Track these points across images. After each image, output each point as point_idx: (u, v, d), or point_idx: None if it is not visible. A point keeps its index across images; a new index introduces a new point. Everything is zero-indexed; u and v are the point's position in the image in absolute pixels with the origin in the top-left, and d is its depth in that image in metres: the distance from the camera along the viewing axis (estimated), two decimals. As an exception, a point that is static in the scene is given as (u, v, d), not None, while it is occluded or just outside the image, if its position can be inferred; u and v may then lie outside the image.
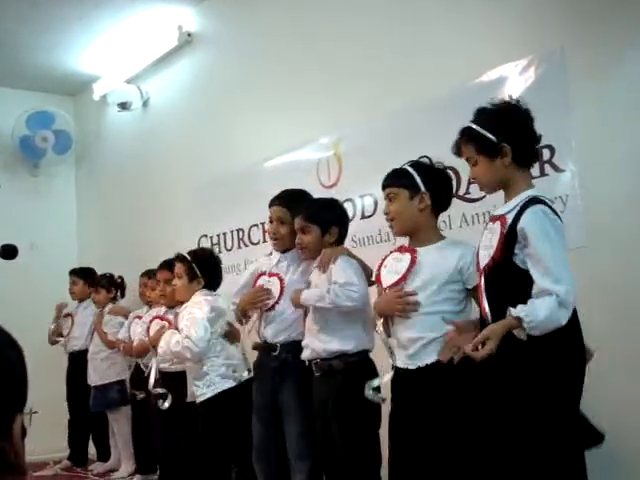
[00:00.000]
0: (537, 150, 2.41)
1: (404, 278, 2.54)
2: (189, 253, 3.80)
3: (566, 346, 2.16)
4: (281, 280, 3.20)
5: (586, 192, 2.92)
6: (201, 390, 3.57)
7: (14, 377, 0.87)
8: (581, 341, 2.19)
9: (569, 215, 2.87)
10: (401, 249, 2.62)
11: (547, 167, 3.03)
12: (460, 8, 3.48)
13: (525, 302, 2.13)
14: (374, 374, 2.76)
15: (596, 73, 2.95)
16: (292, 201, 3.22)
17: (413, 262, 2.54)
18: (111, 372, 5.21)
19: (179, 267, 3.75)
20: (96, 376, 5.28)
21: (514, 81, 3.18)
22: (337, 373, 2.88)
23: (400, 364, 2.57)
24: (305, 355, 3.00)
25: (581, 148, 2.95)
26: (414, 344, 2.51)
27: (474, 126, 2.32)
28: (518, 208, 2.21)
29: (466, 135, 2.35)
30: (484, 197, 3.03)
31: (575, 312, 2.16)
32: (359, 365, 2.87)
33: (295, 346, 3.09)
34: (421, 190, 2.56)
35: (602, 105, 2.93)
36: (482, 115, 2.34)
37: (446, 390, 2.44)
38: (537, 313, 2.07)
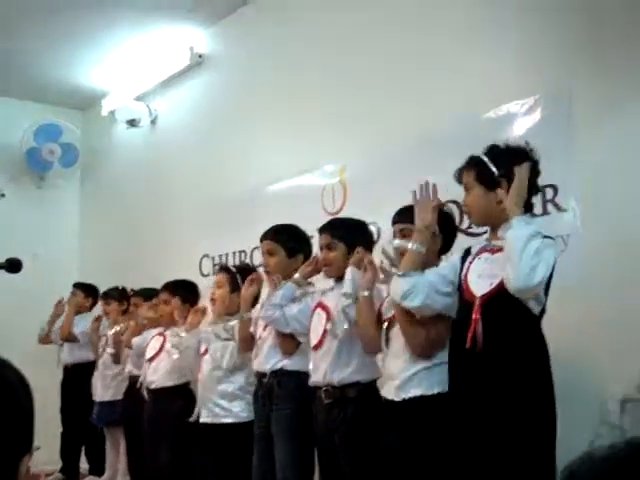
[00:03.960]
0: (532, 203, 2.42)
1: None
2: (234, 266, 3.91)
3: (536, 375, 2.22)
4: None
5: (587, 232, 2.95)
6: (225, 412, 3.56)
7: (25, 420, 0.88)
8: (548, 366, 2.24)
9: (570, 253, 2.91)
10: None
11: (549, 206, 3.07)
12: (468, 44, 3.53)
13: (521, 336, 2.19)
14: (380, 401, 2.74)
15: (601, 115, 2.99)
16: (279, 234, 3.36)
17: None
18: (120, 389, 5.08)
19: (222, 277, 3.77)
20: (104, 392, 5.22)
21: (520, 119, 3.23)
22: (349, 402, 2.87)
23: (388, 395, 2.62)
24: (314, 381, 3.00)
25: (584, 188, 2.99)
26: (400, 375, 2.55)
27: (481, 155, 2.37)
28: None
29: (471, 162, 2.41)
30: (487, 232, 3.06)
31: (545, 346, 2.24)
32: (370, 394, 2.84)
33: (282, 373, 3.16)
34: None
35: (606, 147, 2.97)
36: (493, 149, 2.40)
37: (429, 423, 2.46)
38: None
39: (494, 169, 2.32)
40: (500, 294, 2.22)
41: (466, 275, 2.36)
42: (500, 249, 2.28)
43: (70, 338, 5.61)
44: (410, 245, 2.49)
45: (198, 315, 4.00)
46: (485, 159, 2.36)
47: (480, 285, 2.29)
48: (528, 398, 2.19)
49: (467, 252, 2.48)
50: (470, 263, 2.38)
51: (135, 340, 4.57)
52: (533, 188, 2.37)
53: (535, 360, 2.24)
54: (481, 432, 2.22)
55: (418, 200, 2.54)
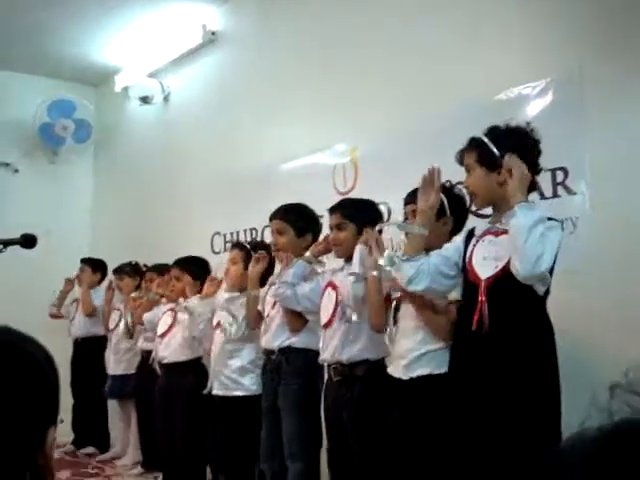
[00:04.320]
0: (536, 181, 2.45)
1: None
2: (248, 243, 3.92)
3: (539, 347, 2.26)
4: None
5: (597, 215, 2.96)
6: (237, 385, 3.62)
7: (51, 393, 0.92)
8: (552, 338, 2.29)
9: (579, 237, 2.93)
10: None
11: (559, 189, 3.08)
12: (479, 26, 3.53)
13: (527, 318, 2.22)
14: (387, 380, 2.78)
15: (613, 98, 2.99)
16: (288, 213, 3.39)
17: None
18: (132, 362, 5.17)
19: (236, 253, 3.79)
20: (117, 365, 5.29)
21: (531, 101, 3.23)
22: (357, 380, 2.91)
23: (395, 374, 2.65)
24: (324, 358, 3.04)
25: (594, 171, 2.99)
26: (409, 354, 2.59)
27: (482, 137, 2.38)
28: None
29: (472, 143, 2.42)
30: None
31: (550, 326, 2.27)
32: (378, 372, 2.87)
33: (290, 350, 3.22)
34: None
35: (617, 130, 2.97)
36: (493, 130, 2.41)
37: (435, 401, 2.49)
38: None
39: (495, 150, 2.34)
40: (505, 276, 2.24)
41: (470, 257, 2.38)
42: (504, 231, 2.30)
43: (93, 313, 5.67)
44: (412, 228, 2.50)
45: (215, 285, 4.01)
46: (486, 140, 2.37)
47: (485, 267, 2.31)
48: (534, 379, 2.23)
49: (470, 233, 2.50)
50: (474, 245, 2.40)
51: (146, 316, 4.62)
52: (536, 167, 2.38)
53: (541, 341, 2.27)
54: (487, 413, 2.25)
55: (422, 182, 2.54)
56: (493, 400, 2.24)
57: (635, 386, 0.66)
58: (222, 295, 3.82)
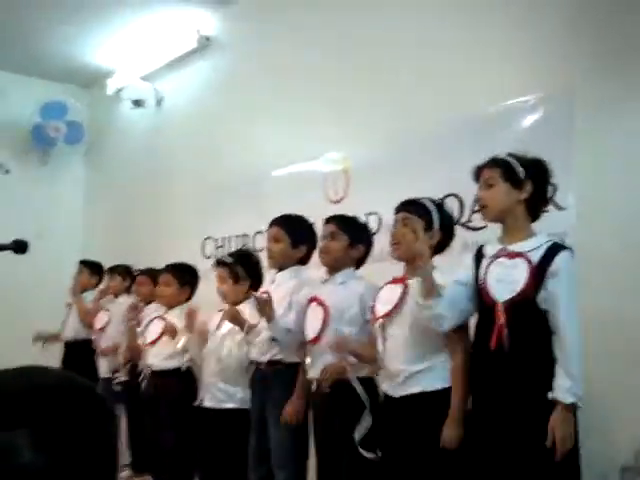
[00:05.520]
0: (542, 212, 2.54)
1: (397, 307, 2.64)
2: (230, 256, 3.86)
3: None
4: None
5: (585, 230, 2.99)
6: (228, 397, 3.63)
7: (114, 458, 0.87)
8: None
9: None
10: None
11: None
12: (471, 41, 3.56)
13: (545, 342, 2.28)
14: (377, 395, 2.81)
15: (602, 115, 3.02)
16: (287, 222, 3.38)
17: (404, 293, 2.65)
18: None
19: (221, 271, 3.74)
20: (108, 368, 5.21)
21: (522, 116, 3.26)
22: (348, 394, 2.89)
23: (387, 391, 2.70)
24: (312, 376, 3.03)
25: (583, 187, 3.03)
26: (400, 374, 2.63)
27: (508, 157, 2.46)
28: (544, 250, 2.34)
29: (495, 161, 2.49)
30: (485, 226, 3.11)
31: None
32: (368, 388, 2.88)
33: (279, 363, 3.23)
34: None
35: (606, 147, 3.01)
36: (515, 155, 2.49)
37: (426, 419, 2.53)
38: (575, 383, 2.22)
39: (520, 169, 2.42)
40: (524, 301, 2.31)
41: (485, 278, 2.42)
42: (518, 254, 2.36)
43: (89, 319, 5.50)
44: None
45: (192, 318, 3.99)
46: (512, 161, 2.45)
47: (501, 290, 2.36)
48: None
49: (479, 252, 2.54)
50: (487, 267, 2.44)
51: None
52: (546, 198, 2.53)
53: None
54: (504, 431, 2.30)
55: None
56: (513, 419, 2.29)
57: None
58: (217, 323, 3.78)
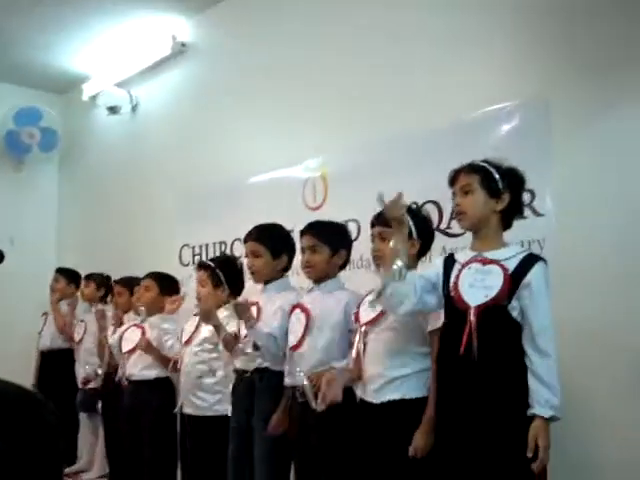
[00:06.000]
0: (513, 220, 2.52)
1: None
2: (212, 260, 3.83)
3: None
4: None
5: (563, 236, 3.02)
6: (207, 403, 3.62)
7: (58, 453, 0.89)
8: None
9: (546, 258, 2.97)
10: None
11: (526, 210, 3.11)
12: (449, 48, 3.58)
13: (514, 350, 2.27)
14: (355, 403, 2.78)
15: (579, 122, 3.06)
16: (263, 235, 3.32)
17: None
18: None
19: (202, 274, 3.70)
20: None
21: (499, 123, 3.28)
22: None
23: (365, 397, 2.67)
24: (290, 382, 3.02)
25: (560, 193, 3.05)
26: (379, 380, 2.62)
27: (486, 164, 2.43)
28: (519, 260, 2.33)
29: (473, 167, 2.45)
30: (464, 233, 3.11)
31: None
32: (346, 395, 2.81)
33: (265, 371, 3.19)
34: None
35: (583, 153, 3.04)
36: (492, 162, 2.46)
37: (405, 426, 2.51)
38: (553, 395, 2.22)
39: (498, 177, 2.40)
40: (495, 307, 2.30)
41: (456, 283, 2.40)
42: (492, 261, 2.35)
43: (65, 328, 5.52)
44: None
45: (176, 302, 4.10)
46: (490, 169, 2.42)
47: (473, 295, 2.33)
48: (520, 406, 2.25)
49: (450, 258, 2.52)
50: (459, 271, 2.42)
51: (110, 341, 4.56)
52: (521, 208, 2.52)
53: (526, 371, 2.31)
54: (471, 437, 2.28)
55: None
56: (479, 425, 2.27)
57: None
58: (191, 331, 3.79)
